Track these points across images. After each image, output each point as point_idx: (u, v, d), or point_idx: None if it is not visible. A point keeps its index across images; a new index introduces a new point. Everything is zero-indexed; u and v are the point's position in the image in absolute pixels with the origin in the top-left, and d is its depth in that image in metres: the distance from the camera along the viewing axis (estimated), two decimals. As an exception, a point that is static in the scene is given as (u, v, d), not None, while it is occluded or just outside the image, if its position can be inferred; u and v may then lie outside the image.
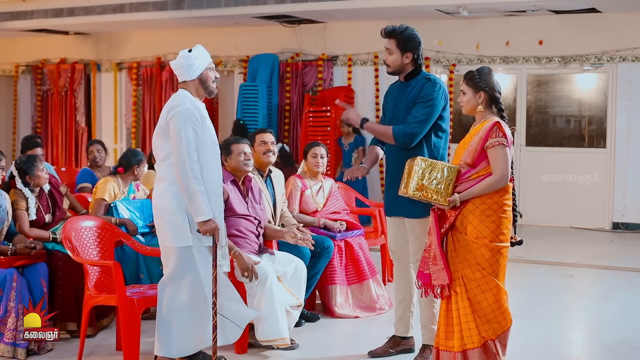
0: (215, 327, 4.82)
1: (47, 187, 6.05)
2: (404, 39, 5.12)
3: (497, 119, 4.66)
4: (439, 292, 4.68)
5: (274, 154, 6.19)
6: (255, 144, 6.13)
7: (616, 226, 11.25)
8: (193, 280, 4.84)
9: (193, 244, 4.80)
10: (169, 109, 4.81)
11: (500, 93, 4.74)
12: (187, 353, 4.94)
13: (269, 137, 6.17)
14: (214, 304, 4.80)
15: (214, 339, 4.83)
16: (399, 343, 5.43)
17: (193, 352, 4.97)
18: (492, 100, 4.72)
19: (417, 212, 5.08)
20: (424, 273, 4.74)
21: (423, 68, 5.26)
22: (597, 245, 10.25)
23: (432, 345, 5.05)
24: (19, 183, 5.85)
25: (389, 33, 5.16)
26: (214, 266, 4.81)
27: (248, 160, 5.69)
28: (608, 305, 7.06)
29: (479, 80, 4.70)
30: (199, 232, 4.75)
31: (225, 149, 5.67)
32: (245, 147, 5.71)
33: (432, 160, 4.64)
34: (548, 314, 6.66)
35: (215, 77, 4.98)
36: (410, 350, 5.43)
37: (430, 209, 4.73)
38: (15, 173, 5.88)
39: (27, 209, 5.85)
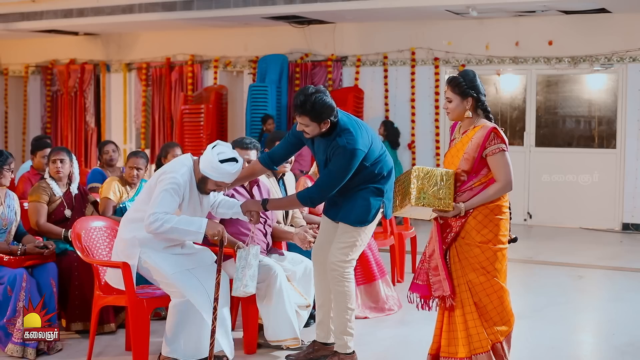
0: (213, 332, 4.82)
1: (75, 188, 6.17)
2: (317, 113, 4.78)
3: (491, 124, 4.60)
4: (437, 304, 4.66)
5: (290, 163, 6.18)
6: None
7: (626, 227, 11.21)
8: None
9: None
10: (162, 172, 4.89)
11: (485, 95, 4.65)
12: (191, 357, 4.97)
13: None
14: (215, 309, 4.82)
15: (211, 344, 4.83)
16: (319, 349, 5.29)
17: (196, 357, 4.99)
18: (478, 103, 4.63)
19: (353, 219, 5.03)
20: (419, 285, 4.70)
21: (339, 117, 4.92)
22: (607, 246, 10.22)
23: (341, 353, 5.09)
24: (47, 173, 6.07)
25: (298, 110, 4.81)
26: (218, 271, 4.84)
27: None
28: (618, 306, 7.04)
29: (466, 86, 4.58)
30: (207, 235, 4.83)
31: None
32: (246, 154, 5.57)
33: (428, 167, 4.57)
34: (557, 315, 6.64)
35: (214, 190, 4.99)
36: None
37: (433, 218, 4.69)
38: (44, 161, 6.13)
39: (48, 202, 5.97)
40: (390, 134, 11.99)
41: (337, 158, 4.84)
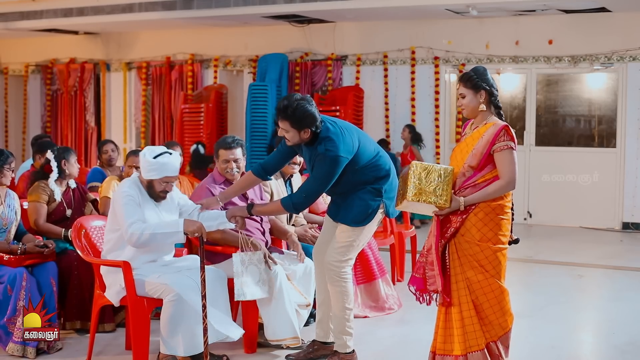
0: (205, 330, 4.83)
1: (73, 185, 6.19)
2: (297, 119, 4.83)
3: (503, 122, 4.60)
4: (434, 298, 4.65)
5: (298, 164, 6.23)
6: None
7: (626, 226, 11.22)
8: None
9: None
10: (113, 199, 5.07)
11: (497, 90, 4.67)
12: (190, 352, 4.97)
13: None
14: (204, 306, 4.82)
15: (205, 342, 4.84)
16: (319, 348, 5.31)
17: (196, 352, 4.99)
18: (491, 98, 4.64)
19: (350, 219, 5.05)
20: (417, 278, 4.70)
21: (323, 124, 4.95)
22: (607, 245, 10.22)
23: (340, 352, 5.12)
24: (54, 171, 6.02)
25: (280, 114, 4.88)
26: (202, 268, 4.85)
27: (231, 169, 5.60)
28: (618, 305, 7.04)
29: (478, 80, 4.60)
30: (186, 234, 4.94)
31: (215, 150, 5.64)
32: (231, 154, 5.60)
33: (427, 164, 4.58)
34: (557, 314, 6.64)
35: (166, 190, 5.07)
36: None
37: (434, 212, 4.68)
38: (52, 157, 6.02)
39: (48, 202, 5.96)
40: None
41: (318, 165, 4.89)
